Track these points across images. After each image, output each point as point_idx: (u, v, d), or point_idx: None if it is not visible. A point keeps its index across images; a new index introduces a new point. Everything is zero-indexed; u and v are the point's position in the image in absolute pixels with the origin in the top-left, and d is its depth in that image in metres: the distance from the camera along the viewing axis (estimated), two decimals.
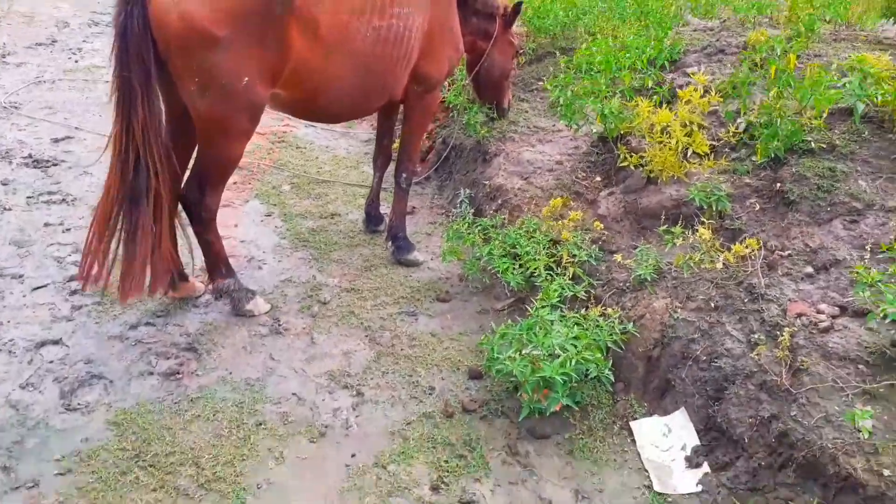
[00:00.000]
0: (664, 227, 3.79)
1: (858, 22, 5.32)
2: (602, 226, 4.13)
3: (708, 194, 3.72)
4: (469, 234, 4.09)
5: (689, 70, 5.07)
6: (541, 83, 5.80)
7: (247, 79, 3.10)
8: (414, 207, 5.30)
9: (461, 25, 4.27)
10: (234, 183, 5.38)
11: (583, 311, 3.51)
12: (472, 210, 4.93)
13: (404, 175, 4.37)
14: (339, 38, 3.38)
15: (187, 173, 3.48)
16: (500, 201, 4.76)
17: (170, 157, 3.18)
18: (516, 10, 4.65)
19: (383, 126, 4.60)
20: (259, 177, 5.58)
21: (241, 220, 4.87)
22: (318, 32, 3.28)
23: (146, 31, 2.90)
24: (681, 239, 3.55)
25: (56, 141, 5.74)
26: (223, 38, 2.95)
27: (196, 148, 3.38)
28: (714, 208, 3.71)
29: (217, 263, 3.67)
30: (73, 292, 3.85)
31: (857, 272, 2.93)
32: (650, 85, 4.51)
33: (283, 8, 3.10)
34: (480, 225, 4.20)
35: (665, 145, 4.06)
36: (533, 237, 4.01)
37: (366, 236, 4.82)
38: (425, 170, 5.83)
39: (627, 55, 4.50)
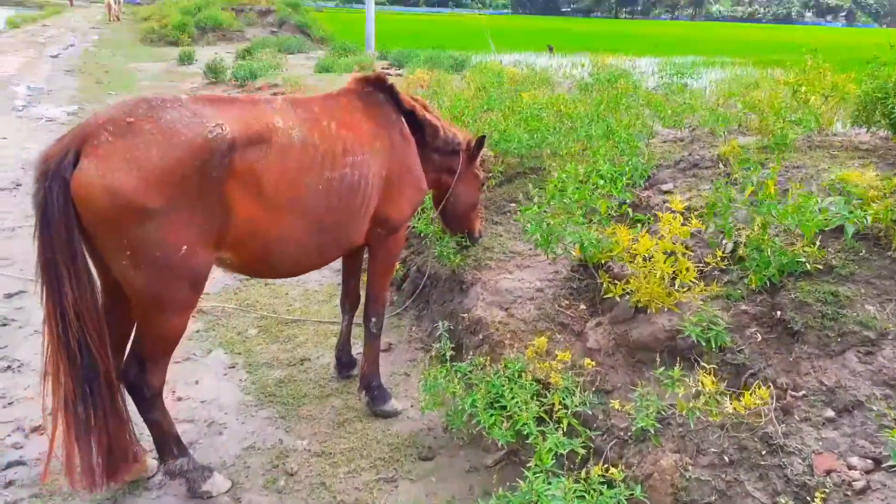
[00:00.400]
0: (661, 370, 3.46)
1: (830, 126, 5.27)
2: (593, 363, 3.78)
3: (704, 329, 3.42)
4: (448, 381, 3.72)
5: (663, 187, 4.93)
6: (513, 205, 5.63)
7: (185, 247, 2.81)
8: (390, 344, 4.95)
9: (423, 164, 4.09)
10: (197, 331, 5.04)
11: (583, 472, 3.10)
12: (453, 345, 4.58)
13: (373, 319, 4.05)
14: (288, 196, 3.14)
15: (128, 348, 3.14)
16: (480, 336, 4.43)
17: (104, 335, 2.85)
18: (479, 144, 4.50)
19: (349, 268, 4.33)
20: (224, 321, 5.23)
21: (203, 374, 4.48)
22: (263, 191, 3.03)
23: (68, 207, 2.63)
24: (682, 387, 3.20)
25: (9, 296, 5.38)
26: (156, 209, 2.68)
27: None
28: (713, 343, 3.40)
29: (167, 443, 3.25)
30: (9, 483, 3.38)
31: (883, 414, 2.60)
32: (627, 208, 4.30)
33: (220, 170, 2.85)
34: (460, 370, 3.84)
35: (650, 273, 3.80)
36: (518, 381, 3.65)
37: (338, 383, 4.43)
38: (401, 300, 5.52)
39: (601, 180, 4.32)
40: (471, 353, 4.46)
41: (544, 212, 4.32)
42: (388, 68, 19.31)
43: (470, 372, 3.81)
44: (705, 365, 3.30)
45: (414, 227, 5.59)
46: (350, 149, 3.42)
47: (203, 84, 17.20)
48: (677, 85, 8.35)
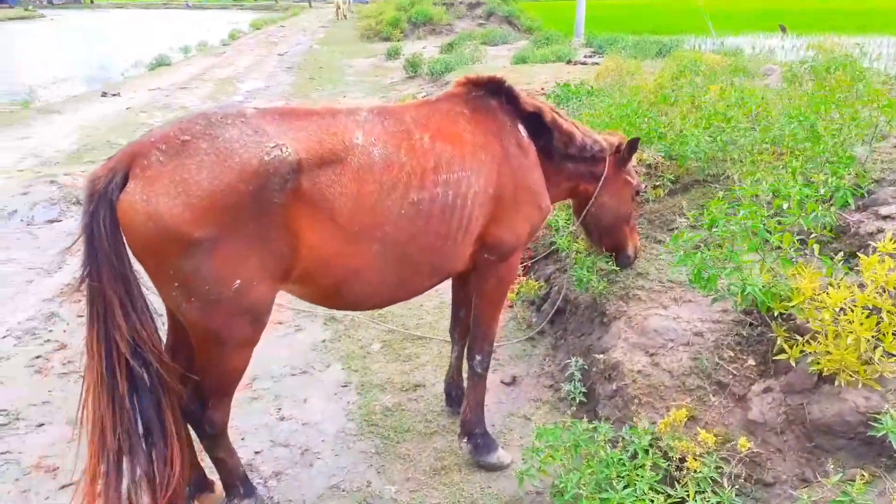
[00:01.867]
0: (842, 472, 2.50)
1: None
2: (751, 444, 2.89)
3: None
4: (555, 447, 3.04)
5: (882, 211, 3.74)
6: (684, 220, 4.69)
7: (239, 282, 2.48)
8: (515, 377, 4.37)
9: (554, 174, 3.47)
10: (323, 341, 4.89)
11: None
12: (584, 389, 3.90)
13: (478, 357, 3.49)
14: (366, 223, 2.71)
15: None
16: (614, 385, 3.68)
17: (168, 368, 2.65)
18: (631, 147, 3.78)
19: (459, 294, 3.81)
20: (352, 332, 5.01)
21: (314, 391, 4.27)
22: (335, 218, 2.63)
23: (116, 233, 2.41)
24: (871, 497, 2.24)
25: None
26: (203, 239, 2.38)
27: None
28: None
29: (233, 482, 3.01)
30: None
31: None
32: (813, 243, 3.26)
33: (283, 195, 2.48)
34: (573, 431, 3.13)
35: (842, 334, 2.79)
36: (642, 460, 2.88)
37: (446, 419, 3.97)
38: (538, 323, 4.89)
39: (784, 203, 3.31)
40: (602, 403, 3.74)
41: (704, 240, 3.43)
42: (590, 56, 18.39)
43: (584, 438, 3.09)
44: None
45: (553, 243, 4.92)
46: (444, 164, 2.91)
47: (402, 78, 17.67)
48: None
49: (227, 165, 2.39)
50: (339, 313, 5.20)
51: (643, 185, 4.12)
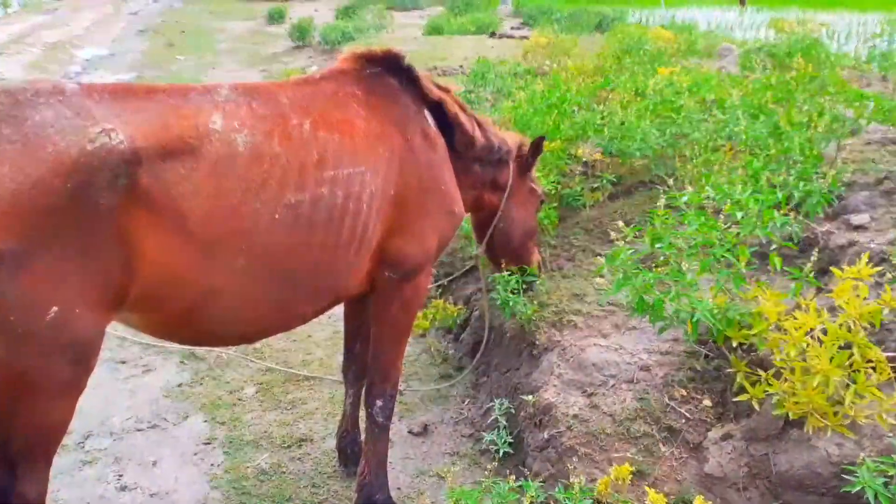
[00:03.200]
0: None
1: None
2: (709, 503, 2.94)
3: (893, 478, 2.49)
4: None
5: (854, 219, 3.92)
6: (621, 233, 4.78)
7: (55, 310, 2.30)
8: (426, 425, 4.32)
9: (462, 177, 3.47)
10: (179, 385, 4.71)
11: None
12: (510, 439, 3.90)
13: (379, 403, 3.41)
14: (227, 230, 2.59)
15: None
16: (546, 434, 3.68)
17: None
18: (536, 148, 3.94)
19: (353, 324, 3.75)
20: (218, 372, 4.82)
21: (167, 451, 4.07)
22: (186, 224, 2.50)
23: None
24: None
25: None
26: (6, 254, 2.19)
27: None
28: None
29: None
30: None
31: None
32: (775, 258, 3.38)
33: (113, 195, 2.32)
34: (498, 494, 3.09)
35: (811, 371, 2.88)
36: None
37: (339, 483, 3.85)
38: (456, 357, 4.87)
39: (738, 212, 3.41)
40: (531, 455, 3.73)
41: (648, 257, 3.49)
42: (518, 28, 18.78)
43: (510, 498, 3.06)
44: None
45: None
46: (331, 158, 2.83)
47: (287, 48, 17.46)
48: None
49: (37, 157, 2.22)
50: (200, 349, 4.99)
51: (544, 195, 4.36)
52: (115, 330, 2.64)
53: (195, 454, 4.06)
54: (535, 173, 4.07)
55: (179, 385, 4.68)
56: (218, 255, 2.61)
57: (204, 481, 3.84)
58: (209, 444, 4.14)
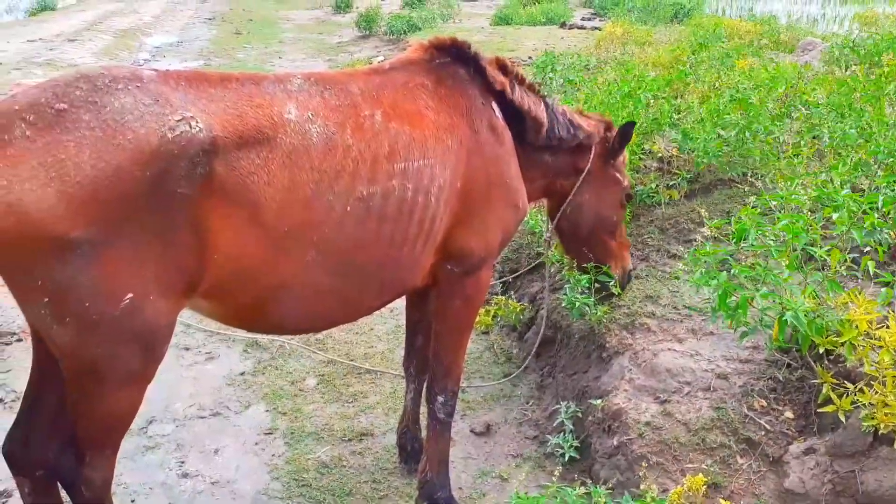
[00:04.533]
0: None
1: None
2: None
3: None
4: None
5: None
6: (704, 230, 4.66)
7: (130, 296, 2.34)
8: (489, 425, 4.27)
9: (528, 167, 3.43)
10: (242, 374, 4.76)
11: None
12: (576, 443, 3.84)
13: (440, 399, 3.41)
14: (299, 223, 2.61)
15: None
16: (615, 441, 3.61)
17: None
18: (624, 134, 3.78)
19: (415, 317, 3.74)
20: (280, 363, 4.87)
21: (229, 440, 4.13)
22: (260, 216, 2.52)
23: None
24: None
25: None
26: (83, 241, 2.23)
27: None
28: None
29: None
30: None
31: None
32: (867, 261, 3.24)
33: (191, 184, 2.35)
34: (564, 500, 3.04)
35: None
36: None
37: (400, 479, 3.85)
38: (520, 356, 4.82)
39: (835, 213, 3.28)
40: (599, 462, 3.67)
41: (731, 256, 3.38)
42: (589, 18, 18.58)
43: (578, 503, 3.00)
44: None
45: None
46: (402, 150, 2.83)
47: (353, 37, 17.60)
48: None
49: (116, 143, 2.25)
50: (263, 338, 5.06)
51: (630, 188, 4.11)
52: (180, 317, 2.69)
53: (256, 444, 4.11)
54: (622, 162, 3.91)
55: (242, 374, 4.74)
56: (290, 248, 2.64)
57: (264, 471, 3.89)
58: (270, 434, 4.18)
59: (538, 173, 3.59)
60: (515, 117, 3.35)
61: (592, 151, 3.73)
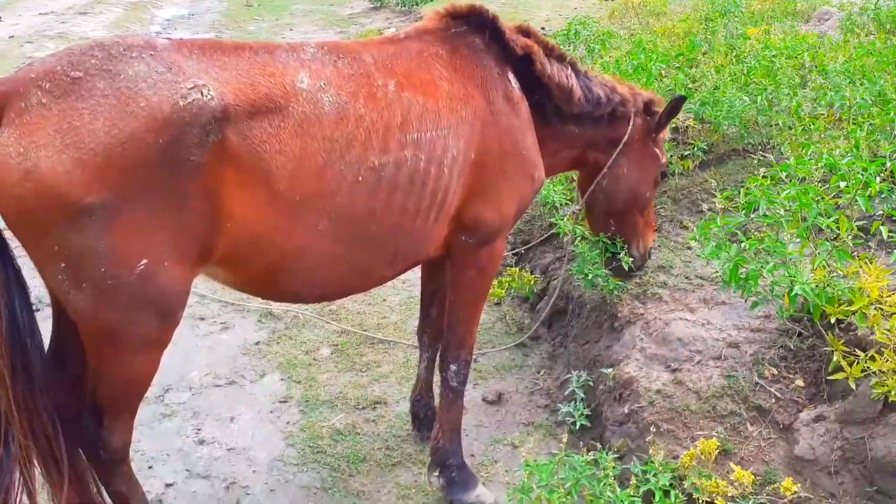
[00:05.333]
0: None
1: None
2: (797, 486, 2.88)
3: None
4: (549, 488, 2.97)
5: None
6: (715, 201, 4.65)
7: (144, 262, 2.37)
8: (501, 394, 4.32)
9: (550, 139, 3.41)
10: (257, 343, 4.82)
11: None
12: (587, 411, 3.87)
13: (453, 368, 3.43)
14: (311, 191, 2.61)
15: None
16: (626, 408, 3.65)
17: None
18: (673, 109, 3.70)
19: (430, 287, 3.76)
20: (294, 332, 4.92)
21: (244, 408, 4.19)
22: (272, 184, 2.53)
23: None
24: None
25: None
26: (98, 206, 2.26)
27: None
28: None
29: None
30: None
31: None
32: (879, 225, 3.24)
33: (203, 151, 2.36)
34: (573, 467, 3.06)
35: None
36: None
37: (413, 446, 3.91)
38: (532, 324, 4.85)
39: (842, 181, 3.27)
40: (610, 430, 3.71)
41: (742, 228, 3.39)
42: None
43: (586, 472, 3.03)
44: None
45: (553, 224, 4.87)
46: (414, 120, 2.82)
47: (365, 8, 17.46)
48: None
49: (129, 111, 2.28)
50: (277, 307, 5.10)
51: (667, 165, 4.01)
52: (195, 287, 2.72)
53: (271, 412, 4.16)
54: (662, 138, 3.83)
55: (257, 343, 4.79)
56: (302, 216, 2.65)
57: (279, 439, 3.95)
58: (285, 402, 4.24)
59: (562, 145, 3.55)
60: (540, 86, 3.31)
61: (631, 123, 3.66)
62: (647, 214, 4.00)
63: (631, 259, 4.01)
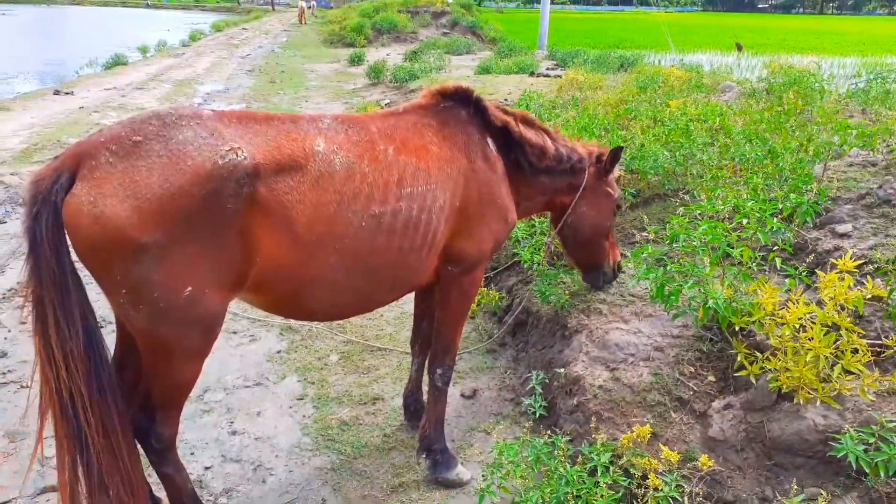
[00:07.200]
0: (808, 494, 2.49)
1: None
2: (711, 462, 2.88)
3: (871, 445, 2.40)
4: (514, 465, 2.96)
5: (839, 229, 3.79)
6: (644, 233, 4.70)
7: (190, 289, 2.36)
8: (475, 390, 4.29)
9: (526, 188, 3.44)
10: (279, 352, 4.73)
11: None
12: (545, 404, 3.86)
13: (439, 371, 3.41)
14: (324, 233, 2.61)
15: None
16: (575, 400, 3.64)
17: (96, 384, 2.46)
18: (614, 156, 3.72)
19: (421, 306, 3.73)
20: (308, 343, 4.87)
21: (268, 405, 4.12)
22: (293, 227, 2.53)
23: (58, 236, 2.28)
24: None
25: None
26: (152, 244, 2.26)
27: None
28: (883, 470, 2.37)
29: (181, 499, 2.86)
30: None
31: None
32: (774, 256, 3.29)
33: (238, 201, 2.37)
34: (534, 446, 3.06)
35: (801, 351, 2.80)
36: (603, 477, 2.83)
37: (405, 434, 3.86)
38: (498, 335, 4.84)
39: (744, 219, 3.32)
40: (563, 418, 3.69)
41: (666, 255, 3.42)
42: (552, 68, 18.57)
43: (545, 452, 3.03)
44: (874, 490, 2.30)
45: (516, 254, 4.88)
46: (409, 178, 2.83)
47: (365, 84, 17.55)
48: (877, 91, 6.76)
49: (179, 168, 2.29)
50: (295, 323, 5.06)
51: (622, 198, 4.03)
52: (230, 307, 2.71)
53: (290, 407, 4.11)
54: (612, 179, 3.85)
55: (278, 352, 4.74)
56: (317, 253, 2.64)
57: (297, 429, 3.89)
58: (301, 399, 4.18)
59: (536, 192, 3.55)
60: (514, 149, 3.34)
61: (587, 172, 3.68)
62: (610, 237, 3.99)
63: (603, 275, 4.05)
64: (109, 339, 2.64)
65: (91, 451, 2.48)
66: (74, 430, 2.43)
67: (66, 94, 14.98)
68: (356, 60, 21.96)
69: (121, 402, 2.56)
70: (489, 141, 3.23)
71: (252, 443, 3.77)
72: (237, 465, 3.59)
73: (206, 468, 3.55)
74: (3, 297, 5.32)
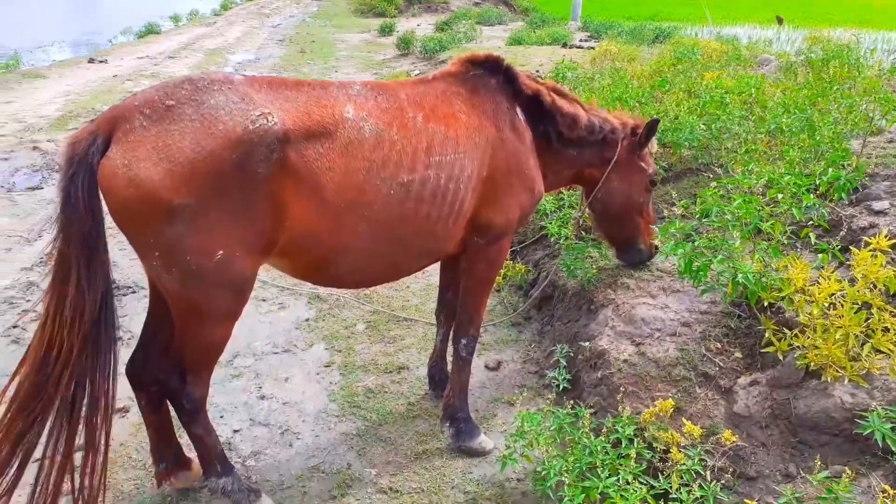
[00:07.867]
0: (833, 471, 2.49)
1: None
2: (735, 437, 2.88)
3: None
4: (538, 433, 3.00)
5: (875, 206, 3.72)
6: (675, 209, 4.64)
7: (221, 253, 2.42)
8: (500, 362, 4.33)
9: (554, 161, 3.41)
10: (307, 320, 4.82)
11: None
12: (569, 377, 3.88)
13: (464, 341, 3.45)
14: (352, 200, 2.64)
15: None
16: (600, 374, 3.65)
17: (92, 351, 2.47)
18: (650, 129, 3.64)
19: (447, 277, 3.75)
20: (336, 312, 4.94)
21: (296, 371, 4.21)
22: (322, 194, 2.56)
23: (92, 199, 2.34)
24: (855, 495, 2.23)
25: None
26: (183, 207, 2.31)
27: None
28: None
29: (210, 460, 2.95)
30: None
31: None
32: (808, 232, 3.23)
33: (268, 166, 2.41)
34: (557, 417, 3.09)
35: (831, 329, 2.78)
36: (626, 450, 2.85)
37: (429, 402, 3.92)
38: (524, 308, 4.85)
39: (780, 193, 3.27)
40: (587, 391, 3.71)
41: (695, 230, 3.39)
42: (586, 40, 18.25)
43: (568, 423, 3.05)
44: None
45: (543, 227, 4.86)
46: (437, 146, 2.84)
47: (394, 55, 17.46)
48: None
49: (210, 132, 2.33)
50: (323, 292, 5.13)
51: (656, 172, 3.94)
52: (259, 275, 2.76)
53: (317, 374, 4.18)
54: (648, 152, 3.77)
55: (307, 320, 4.81)
56: (345, 220, 2.67)
57: (324, 395, 3.97)
58: (328, 367, 4.26)
59: (563, 165, 3.52)
60: (543, 119, 3.31)
61: (620, 144, 3.62)
62: (645, 214, 3.92)
63: (638, 253, 4.01)
64: (142, 304, 2.72)
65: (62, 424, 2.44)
66: (37, 388, 2.38)
67: (101, 62, 15.20)
68: (386, 31, 21.81)
69: (113, 384, 2.55)
70: (518, 110, 3.22)
71: (280, 407, 3.86)
72: (265, 428, 3.68)
73: (235, 431, 3.64)
74: (40, 261, 5.47)
